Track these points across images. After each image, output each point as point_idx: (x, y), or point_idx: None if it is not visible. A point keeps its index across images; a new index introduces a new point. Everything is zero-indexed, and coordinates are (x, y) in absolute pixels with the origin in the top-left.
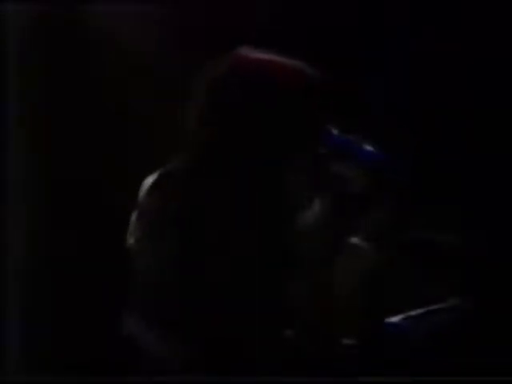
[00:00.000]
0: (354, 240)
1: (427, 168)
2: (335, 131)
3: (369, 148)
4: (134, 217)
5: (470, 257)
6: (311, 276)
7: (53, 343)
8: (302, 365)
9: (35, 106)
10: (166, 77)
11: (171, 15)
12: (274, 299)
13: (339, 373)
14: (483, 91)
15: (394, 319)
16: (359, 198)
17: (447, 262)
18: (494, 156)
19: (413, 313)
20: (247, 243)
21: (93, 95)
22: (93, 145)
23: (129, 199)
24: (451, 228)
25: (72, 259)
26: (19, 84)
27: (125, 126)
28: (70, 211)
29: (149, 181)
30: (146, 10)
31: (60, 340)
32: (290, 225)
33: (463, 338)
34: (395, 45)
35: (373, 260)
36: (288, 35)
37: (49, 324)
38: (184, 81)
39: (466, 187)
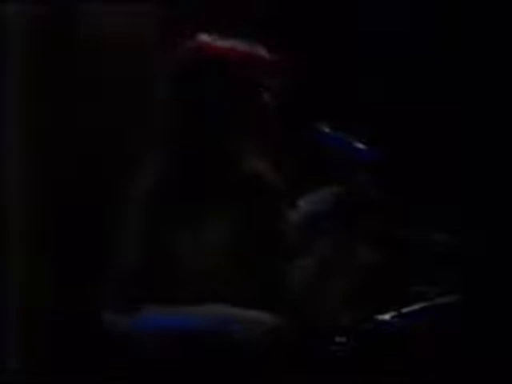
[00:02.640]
0: (351, 239)
1: (424, 167)
2: (327, 129)
3: (362, 146)
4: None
5: (467, 256)
6: (309, 275)
7: (53, 343)
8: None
9: (35, 105)
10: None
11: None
12: (267, 295)
13: (336, 371)
14: (482, 89)
15: (389, 317)
16: (357, 199)
17: (444, 261)
18: (494, 156)
19: (407, 310)
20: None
21: (92, 94)
22: (92, 143)
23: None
24: (449, 227)
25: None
26: (19, 84)
27: (124, 124)
28: (68, 211)
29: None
30: (144, 8)
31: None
32: (282, 223)
33: (459, 335)
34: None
35: (369, 259)
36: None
37: (49, 324)
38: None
39: (465, 186)
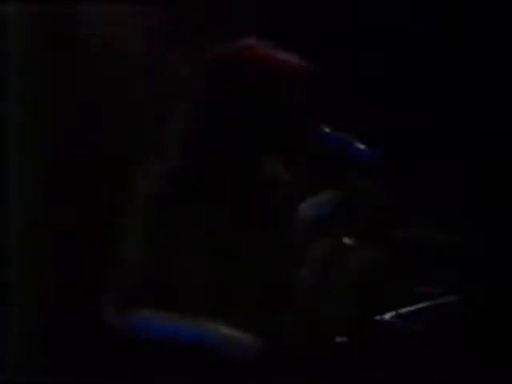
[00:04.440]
0: (351, 240)
1: (425, 167)
2: (329, 130)
3: (363, 147)
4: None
5: (467, 256)
6: (311, 276)
7: (53, 342)
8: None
9: (35, 105)
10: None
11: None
12: (270, 300)
13: (335, 371)
14: (482, 89)
15: (389, 316)
16: (358, 200)
17: (444, 261)
18: (494, 156)
19: (407, 310)
20: (243, 243)
21: (92, 94)
22: (92, 143)
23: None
24: (450, 227)
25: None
26: (20, 84)
27: (124, 124)
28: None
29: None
30: (145, 9)
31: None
32: (284, 224)
33: (459, 335)
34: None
35: (369, 259)
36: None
37: (49, 323)
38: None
39: (465, 187)
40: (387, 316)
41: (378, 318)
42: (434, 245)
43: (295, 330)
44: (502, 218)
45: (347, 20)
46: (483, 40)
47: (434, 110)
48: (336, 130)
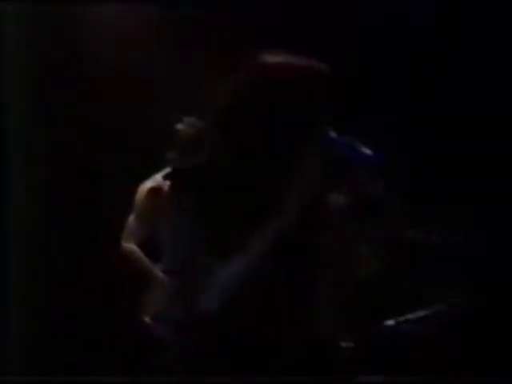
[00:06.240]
0: (353, 241)
1: (425, 167)
2: (333, 133)
3: (367, 150)
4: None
5: (467, 256)
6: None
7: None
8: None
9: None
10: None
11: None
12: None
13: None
14: (483, 93)
15: (394, 321)
16: (368, 201)
17: (444, 261)
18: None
19: (408, 313)
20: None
21: (91, 94)
22: (92, 143)
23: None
24: (450, 227)
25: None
26: (19, 83)
27: (123, 124)
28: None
29: (146, 185)
30: (145, 10)
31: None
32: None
33: (462, 338)
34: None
35: (373, 261)
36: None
37: (49, 323)
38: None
39: (467, 187)
40: (390, 319)
41: (379, 320)
42: (433, 245)
43: (297, 332)
44: (502, 218)
45: (347, 20)
46: (483, 40)
47: (434, 110)
48: (340, 133)
